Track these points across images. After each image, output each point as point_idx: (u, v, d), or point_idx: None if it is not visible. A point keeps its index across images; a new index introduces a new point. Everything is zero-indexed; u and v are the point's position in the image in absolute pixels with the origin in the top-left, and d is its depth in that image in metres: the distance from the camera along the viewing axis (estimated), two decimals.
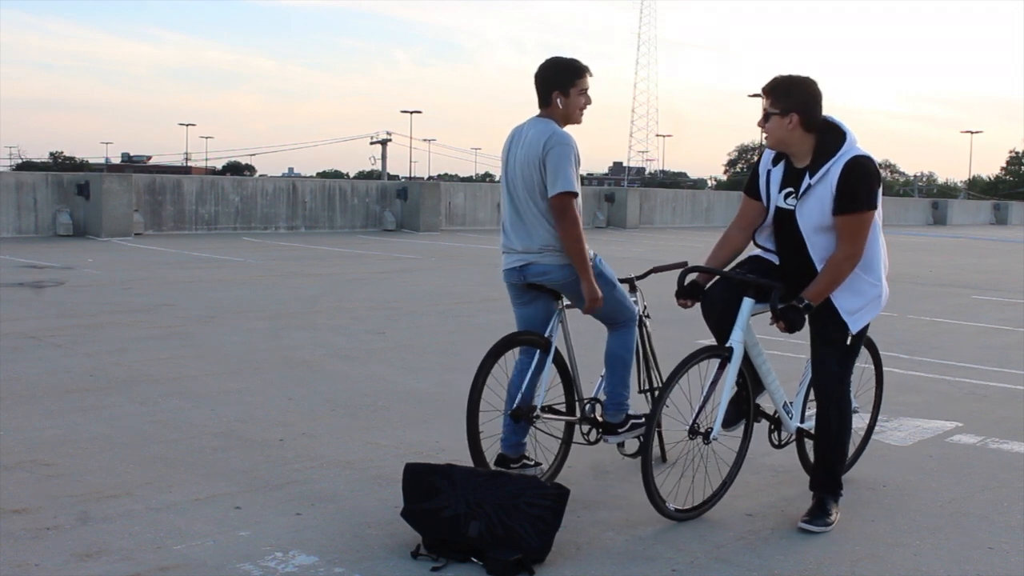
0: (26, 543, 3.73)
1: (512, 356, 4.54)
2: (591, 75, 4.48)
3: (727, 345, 4.22)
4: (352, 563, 3.65)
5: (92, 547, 3.71)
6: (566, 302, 4.61)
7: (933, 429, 5.94)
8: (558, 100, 4.41)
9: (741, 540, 4.03)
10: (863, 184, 3.98)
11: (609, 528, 4.10)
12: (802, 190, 4.08)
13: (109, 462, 4.77)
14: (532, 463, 4.58)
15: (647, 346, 4.93)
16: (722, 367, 4.21)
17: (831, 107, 4.15)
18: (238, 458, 4.90)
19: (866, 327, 4.24)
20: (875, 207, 4.01)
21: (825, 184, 4.01)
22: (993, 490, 4.80)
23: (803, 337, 4.42)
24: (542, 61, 4.49)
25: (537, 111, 4.52)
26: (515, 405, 4.42)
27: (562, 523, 3.73)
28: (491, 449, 4.47)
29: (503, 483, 3.79)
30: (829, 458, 4.30)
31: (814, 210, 4.05)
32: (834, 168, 4.00)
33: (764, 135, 4.16)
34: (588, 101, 4.49)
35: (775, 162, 4.24)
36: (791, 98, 4.02)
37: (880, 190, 4.08)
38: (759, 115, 4.13)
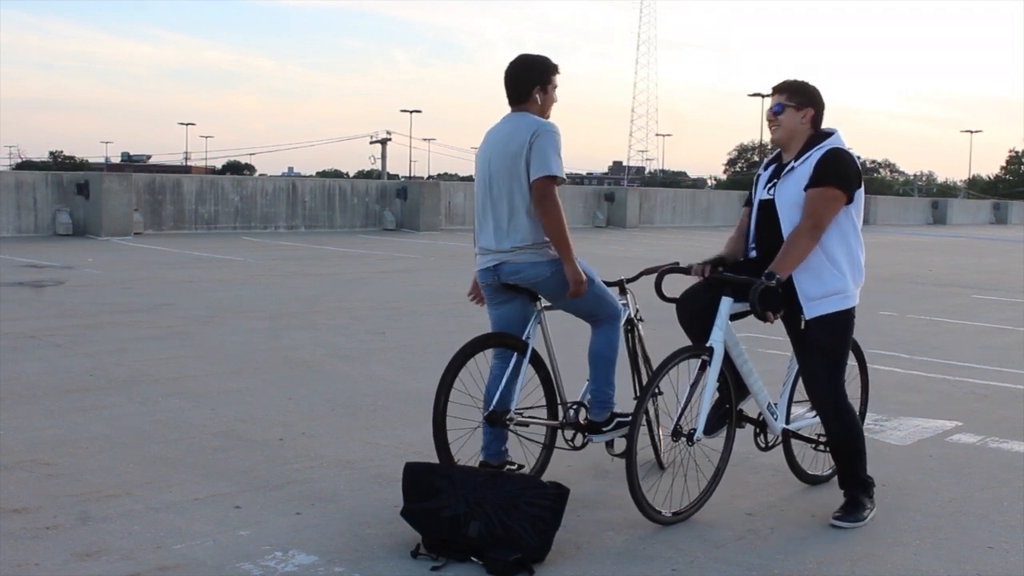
0: (26, 543, 3.73)
1: (485, 359, 4.46)
2: (560, 73, 4.54)
3: (707, 345, 4.21)
4: (352, 563, 3.65)
5: (92, 547, 3.71)
6: (545, 303, 4.53)
7: (933, 429, 5.94)
8: (537, 96, 4.43)
9: (741, 540, 4.03)
10: (837, 167, 4.15)
11: (609, 528, 4.09)
12: (784, 171, 4.26)
13: (109, 462, 4.77)
14: (515, 467, 4.53)
15: (640, 350, 4.83)
16: (703, 368, 4.19)
17: (831, 105, 4.37)
18: (238, 458, 4.90)
19: (845, 327, 4.20)
20: (843, 189, 4.12)
21: (805, 166, 4.19)
22: (993, 490, 4.80)
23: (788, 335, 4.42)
24: (513, 59, 4.50)
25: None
26: (490, 409, 4.34)
27: (562, 523, 3.73)
28: (464, 450, 4.46)
29: (503, 483, 3.79)
30: (846, 461, 4.30)
31: (791, 189, 4.21)
32: (816, 154, 4.20)
33: (773, 128, 4.30)
34: (556, 99, 4.54)
35: (766, 167, 4.44)
36: (807, 95, 4.27)
37: (860, 189, 4.20)
38: (767, 112, 4.34)
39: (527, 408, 4.46)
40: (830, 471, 4.87)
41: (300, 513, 4.15)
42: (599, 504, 4.38)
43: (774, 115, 4.28)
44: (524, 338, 4.45)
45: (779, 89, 4.30)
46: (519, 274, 4.37)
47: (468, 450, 4.48)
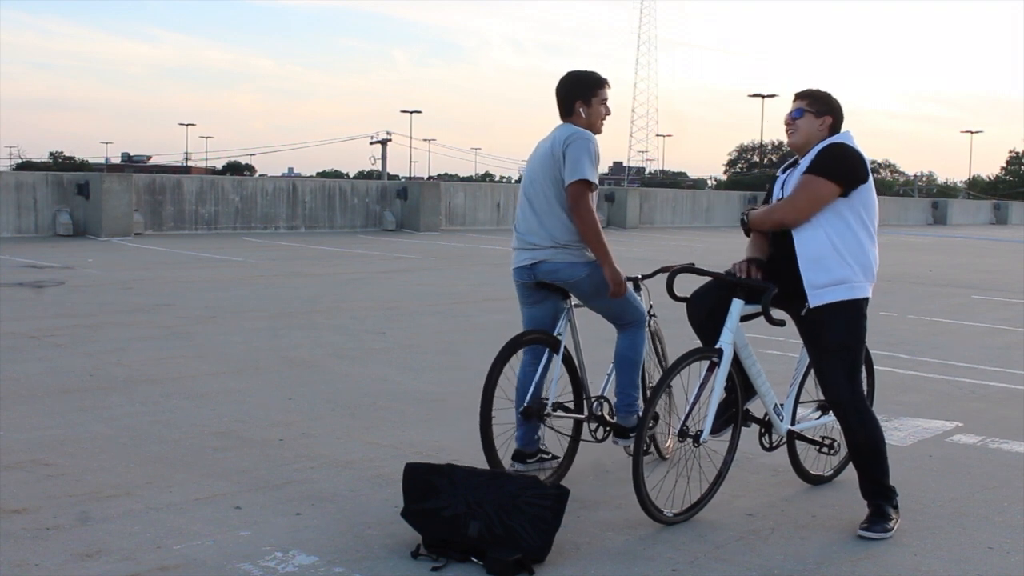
0: (26, 543, 3.73)
1: (517, 356, 4.58)
2: (610, 87, 4.67)
3: (717, 346, 4.22)
4: (352, 563, 3.65)
5: (92, 547, 3.71)
6: (575, 301, 4.67)
7: (933, 429, 5.94)
8: (581, 110, 4.59)
9: (741, 540, 4.03)
10: (829, 159, 4.19)
11: (609, 528, 4.10)
12: (796, 170, 4.33)
13: (109, 462, 4.77)
14: (549, 456, 4.69)
15: (653, 346, 4.98)
16: (711, 369, 4.21)
17: None
18: (238, 458, 4.90)
19: (856, 318, 4.18)
20: (832, 179, 4.14)
21: (807, 160, 4.27)
22: (993, 490, 4.80)
23: (799, 337, 4.42)
24: (562, 75, 4.66)
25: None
26: (525, 403, 4.49)
27: (562, 523, 3.73)
28: (505, 449, 4.50)
29: (503, 483, 3.79)
30: (868, 468, 4.24)
31: (794, 183, 4.28)
32: (817, 147, 4.26)
33: (790, 132, 4.37)
34: (608, 112, 4.67)
35: (784, 170, 4.49)
36: (828, 104, 4.33)
37: (865, 184, 4.20)
38: (786, 116, 4.39)
39: (557, 402, 4.58)
40: (832, 472, 4.88)
41: (300, 513, 4.15)
42: (599, 504, 4.38)
43: (792, 119, 4.33)
44: (555, 334, 4.60)
45: (800, 96, 4.37)
46: (556, 274, 4.51)
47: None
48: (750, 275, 4.28)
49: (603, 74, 4.65)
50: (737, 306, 4.23)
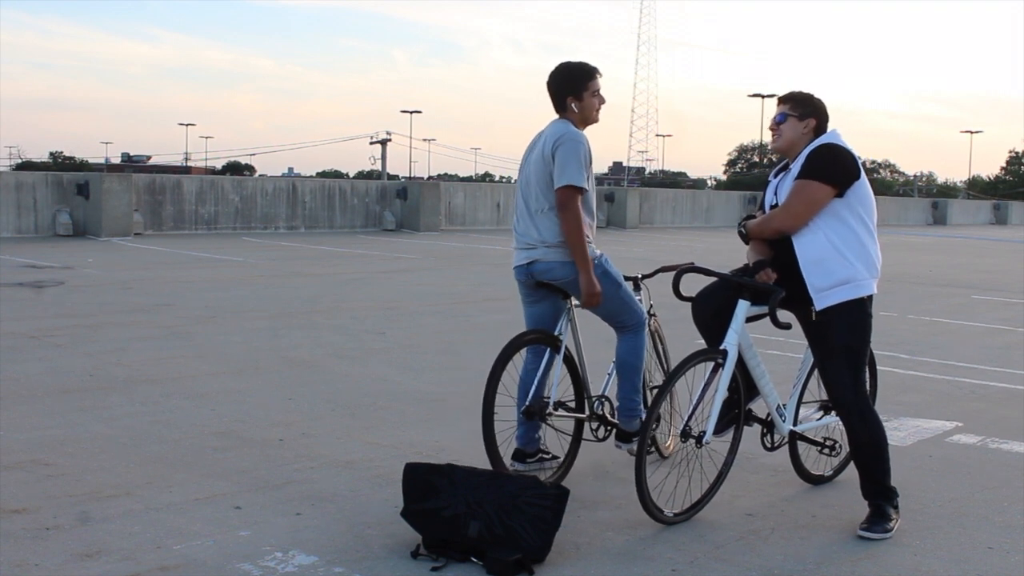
0: (26, 543, 3.73)
1: (519, 355, 4.59)
2: (601, 75, 4.61)
3: (722, 348, 4.22)
4: (352, 563, 3.65)
5: (92, 547, 3.71)
6: (575, 301, 4.68)
7: (933, 429, 5.94)
8: (573, 104, 4.54)
9: (741, 540, 4.03)
10: (820, 161, 4.20)
11: (609, 528, 4.10)
12: (788, 175, 4.34)
13: (109, 462, 4.77)
14: (549, 456, 4.71)
15: (655, 345, 5.01)
16: (716, 370, 4.21)
17: (832, 106, 4.40)
18: (238, 458, 4.90)
19: (862, 318, 4.18)
20: (825, 181, 4.14)
21: (797, 164, 4.27)
22: (993, 490, 4.80)
23: (801, 338, 4.42)
24: (552, 68, 4.60)
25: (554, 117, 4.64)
26: (527, 403, 4.51)
27: (562, 523, 3.73)
28: (504, 448, 4.51)
29: (503, 483, 3.79)
30: (869, 468, 4.25)
31: (786, 189, 4.30)
32: (806, 150, 4.27)
33: (775, 137, 4.38)
34: (602, 101, 4.62)
35: (776, 174, 4.49)
36: (810, 106, 4.32)
37: (858, 182, 4.20)
38: (771, 121, 4.41)
39: (559, 401, 4.59)
40: (832, 472, 4.88)
41: (300, 513, 4.15)
42: (599, 504, 4.38)
43: (776, 124, 4.35)
44: (557, 334, 4.61)
45: (783, 100, 4.38)
46: (550, 273, 4.52)
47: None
48: (768, 279, 4.27)
49: (593, 63, 4.59)
50: (743, 307, 4.23)
